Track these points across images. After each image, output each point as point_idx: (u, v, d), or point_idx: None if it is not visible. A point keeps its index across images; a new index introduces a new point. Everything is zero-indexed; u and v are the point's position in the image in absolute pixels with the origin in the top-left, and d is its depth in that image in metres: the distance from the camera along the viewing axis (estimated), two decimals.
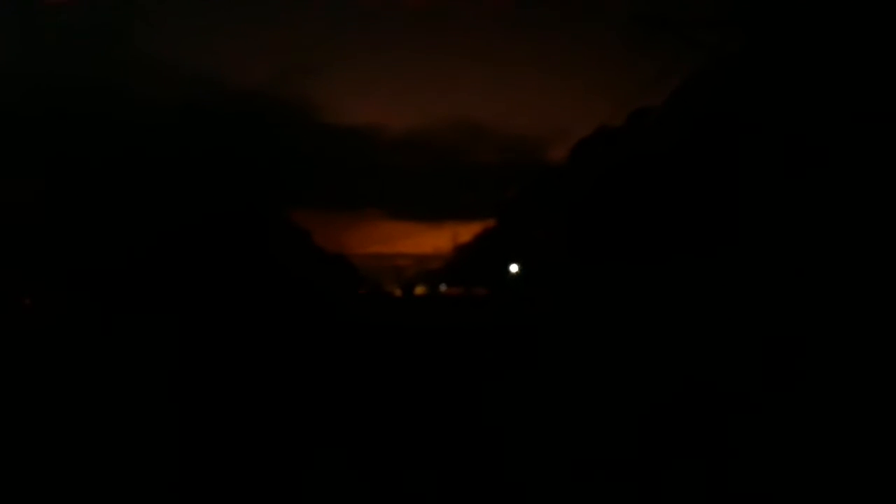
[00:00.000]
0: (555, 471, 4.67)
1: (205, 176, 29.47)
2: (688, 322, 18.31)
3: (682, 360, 10.15)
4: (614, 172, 31.29)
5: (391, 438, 5.71)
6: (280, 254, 31.06)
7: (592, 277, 35.85)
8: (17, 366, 11.75)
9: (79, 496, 4.51)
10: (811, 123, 20.93)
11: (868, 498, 4.04)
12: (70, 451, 5.60)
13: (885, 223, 18.56)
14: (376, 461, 5.01)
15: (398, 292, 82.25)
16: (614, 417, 6.28)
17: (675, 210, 26.96)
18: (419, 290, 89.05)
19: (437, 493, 4.29)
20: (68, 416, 7.10)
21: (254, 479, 4.70)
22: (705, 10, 26.51)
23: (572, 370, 9.64)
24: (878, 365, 8.65)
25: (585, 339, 15.00)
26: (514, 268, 53.26)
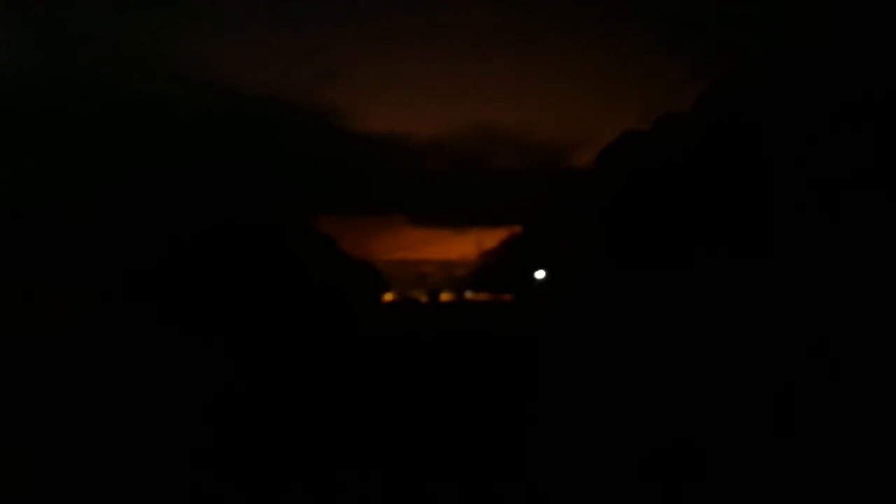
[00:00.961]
0: (577, 475, 4.64)
1: (230, 183, 29.90)
2: (715, 325, 17.98)
3: (713, 363, 9.97)
4: (642, 178, 30.97)
5: (412, 445, 5.70)
6: (305, 260, 31.32)
7: (621, 283, 35.48)
8: (50, 368, 12.00)
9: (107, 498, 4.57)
10: (840, 129, 20.53)
11: (868, 498, 4.01)
12: (99, 453, 5.68)
13: None
14: (396, 467, 5.00)
15: (424, 299, 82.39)
16: (641, 423, 6.19)
17: (703, 215, 26.59)
18: (445, 296, 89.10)
19: (459, 498, 4.28)
20: (99, 417, 7.22)
21: (273, 486, 4.71)
22: (733, 12, 26.22)
23: (599, 376, 9.53)
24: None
25: (612, 345, 14.82)
26: (540, 274, 52.98)
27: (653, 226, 30.07)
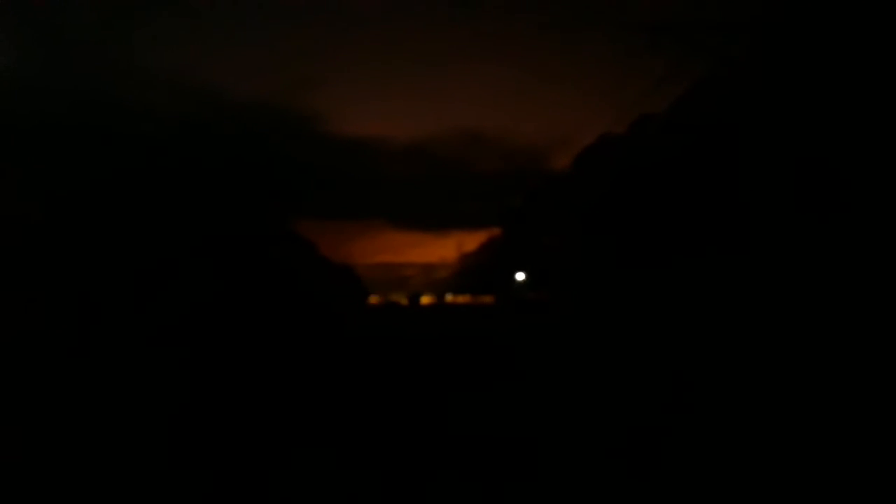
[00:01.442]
0: (561, 474, 4.72)
1: (208, 189, 29.69)
2: (694, 326, 18.29)
3: (691, 363, 10.17)
4: (619, 179, 31.35)
5: (398, 447, 5.77)
6: (285, 265, 31.21)
7: (600, 283, 35.82)
8: (15, 370, 11.86)
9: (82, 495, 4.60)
10: (817, 129, 20.97)
11: (868, 498, 4.07)
12: (65, 451, 5.69)
13: (889, 229, 18.55)
14: (383, 469, 5.07)
15: (404, 302, 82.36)
16: (624, 422, 6.32)
17: (680, 216, 26.99)
18: (425, 299, 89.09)
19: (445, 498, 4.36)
20: (80, 420, 7.19)
21: (258, 489, 4.78)
22: (709, 15, 26.64)
23: (582, 376, 9.67)
24: (881, 368, 8.67)
25: (595, 344, 15.00)
26: (520, 275, 53.28)
27: (630, 226, 30.44)
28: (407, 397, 8.49)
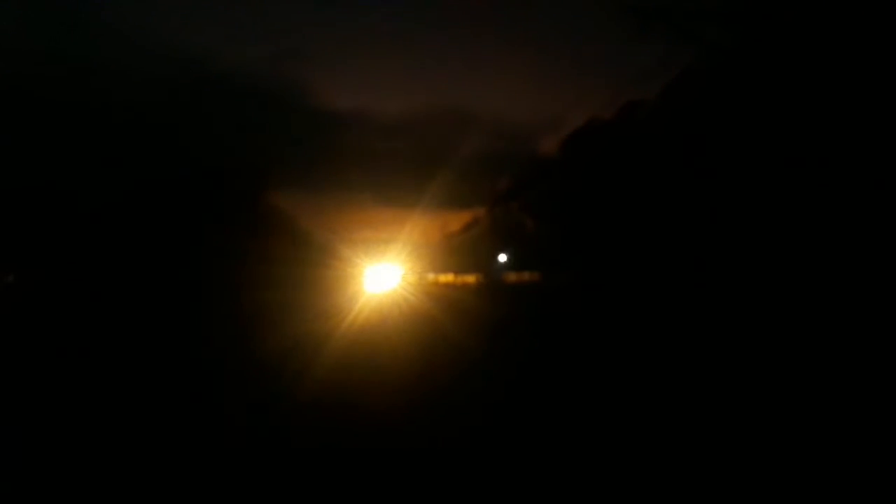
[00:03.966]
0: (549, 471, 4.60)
1: (190, 158, 29.13)
2: (677, 317, 18.30)
3: (674, 356, 10.10)
4: (605, 165, 31.22)
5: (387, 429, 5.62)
6: (265, 238, 30.85)
7: (582, 268, 35.88)
8: None
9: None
10: (807, 120, 20.92)
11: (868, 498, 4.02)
12: (49, 430, 5.46)
13: (882, 221, 18.62)
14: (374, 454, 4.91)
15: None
16: (608, 415, 6.21)
17: (666, 204, 26.97)
18: (408, 277, 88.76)
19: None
20: (47, 393, 6.95)
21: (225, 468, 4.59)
22: (702, 2, 26.38)
23: (562, 358, 9.58)
24: (878, 366, 8.64)
25: (576, 329, 14.95)
26: (502, 257, 53.26)
27: (616, 213, 30.41)
28: (390, 378, 8.32)
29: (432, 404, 6.74)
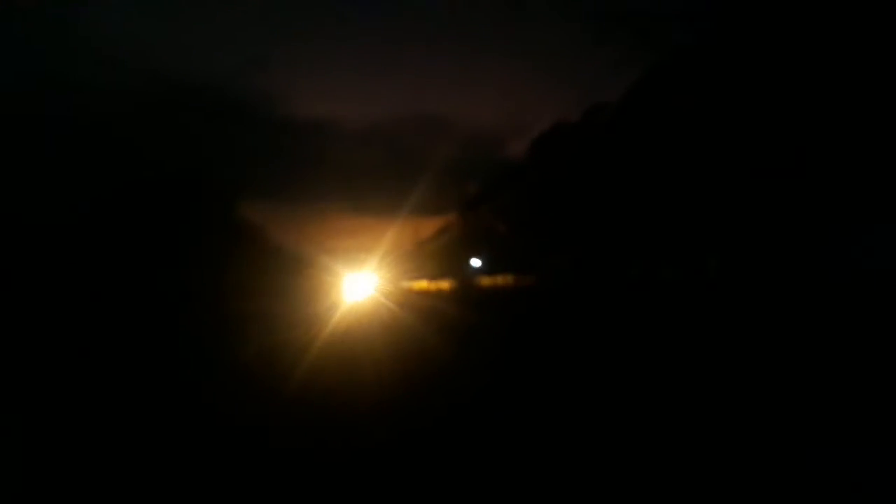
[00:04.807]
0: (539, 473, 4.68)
1: (158, 171, 28.77)
2: (652, 313, 18.61)
3: (648, 355, 10.32)
4: (572, 166, 31.65)
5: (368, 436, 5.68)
6: (234, 250, 30.55)
7: (554, 270, 36.22)
8: None
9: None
10: (768, 117, 21.46)
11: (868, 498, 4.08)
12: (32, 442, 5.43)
13: (850, 215, 19.10)
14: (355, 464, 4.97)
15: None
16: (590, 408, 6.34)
17: (633, 203, 27.41)
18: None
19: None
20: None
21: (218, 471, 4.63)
22: (661, 5, 26.99)
23: (537, 361, 9.72)
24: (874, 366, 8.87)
25: (550, 330, 15.12)
26: (475, 262, 53.41)
27: (584, 213, 30.80)
28: (372, 384, 8.38)
29: (408, 407, 6.84)
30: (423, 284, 75.02)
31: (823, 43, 19.64)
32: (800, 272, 19.55)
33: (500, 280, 47.18)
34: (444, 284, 62.75)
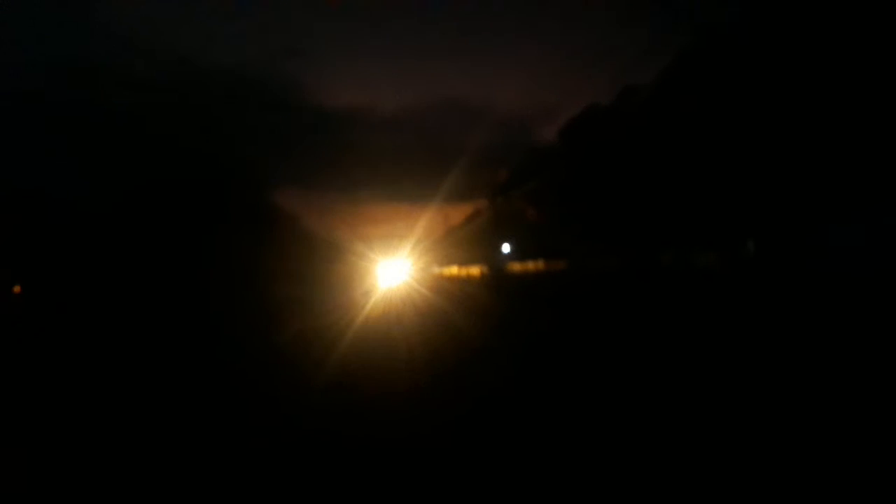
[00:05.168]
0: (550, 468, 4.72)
1: (191, 158, 29.30)
2: (677, 302, 18.41)
3: (675, 340, 10.25)
4: (604, 151, 31.28)
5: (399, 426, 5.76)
6: (268, 237, 30.99)
7: (585, 256, 35.96)
8: (5, 352, 11.74)
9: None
10: (803, 102, 20.96)
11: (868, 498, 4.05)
12: (60, 436, 5.64)
13: (877, 209, 18.67)
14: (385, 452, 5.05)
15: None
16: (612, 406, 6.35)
17: (664, 189, 27.03)
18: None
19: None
20: (58, 402, 7.13)
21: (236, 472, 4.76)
22: None
23: (567, 350, 9.72)
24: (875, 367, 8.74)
25: (577, 318, 15.08)
26: (505, 247, 53.31)
27: (616, 197, 30.47)
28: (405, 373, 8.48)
29: (441, 394, 6.91)
30: (453, 270, 75.11)
31: (856, 27, 19.09)
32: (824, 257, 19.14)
33: (531, 266, 47.04)
34: (475, 270, 62.77)
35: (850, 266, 18.01)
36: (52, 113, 25.61)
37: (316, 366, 8.69)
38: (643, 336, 10.28)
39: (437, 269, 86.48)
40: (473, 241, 62.06)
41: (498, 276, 46.99)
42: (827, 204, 20.30)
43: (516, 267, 50.65)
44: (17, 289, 26.02)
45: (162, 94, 30.43)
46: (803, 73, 21.12)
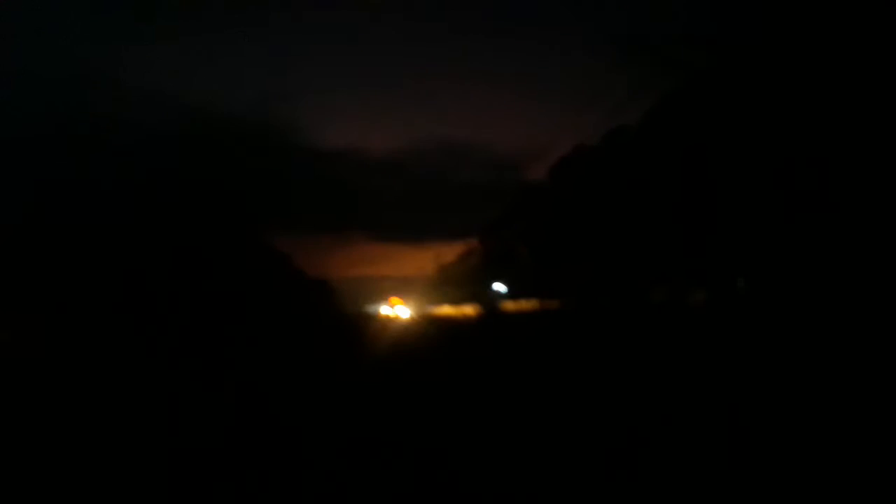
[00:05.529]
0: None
1: (184, 201, 29.42)
2: (669, 333, 18.43)
3: (666, 380, 10.24)
4: (592, 190, 31.67)
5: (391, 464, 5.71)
6: (260, 278, 30.96)
7: (577, 295, 36.03)
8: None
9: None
10: (788, 138, 21.38)
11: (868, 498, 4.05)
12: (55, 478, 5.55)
13: (867, 237, 18.91)
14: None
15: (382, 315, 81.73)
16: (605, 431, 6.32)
17: (654, 226, 27.32)
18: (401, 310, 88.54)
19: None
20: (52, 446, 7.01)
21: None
22: (680, 28, 27.14)
23: (560, 380, 9.69)
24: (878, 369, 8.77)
25: (571, 352, 15.04)
26: (498, 286, 53.45)
27: (605, 237, 30.75)
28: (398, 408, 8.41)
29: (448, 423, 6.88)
30: (446, 310, 75.02)
31: (841, 68, 19.62)
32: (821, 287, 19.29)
33: (524, 304, 47.05)
34: (468, 309, 62.73)
35: (842, 302, 18.13)
36: (51, 154, 25.86)
37: (320, 405, 8.61)
38: (641, 381, 10.26)
39: (429, 309, 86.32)
40: (466, 280, 62.17)
41: (491, 316, 46.94)
42: (816, 242, 20.54)
43: (510, 306, 50.66)
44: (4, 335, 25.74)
45: (154, 138, 30.73)
46: (787, 112, 21.59)
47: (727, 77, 24.44)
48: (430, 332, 28.35)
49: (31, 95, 28.04)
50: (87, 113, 28.46)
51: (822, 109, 20.34)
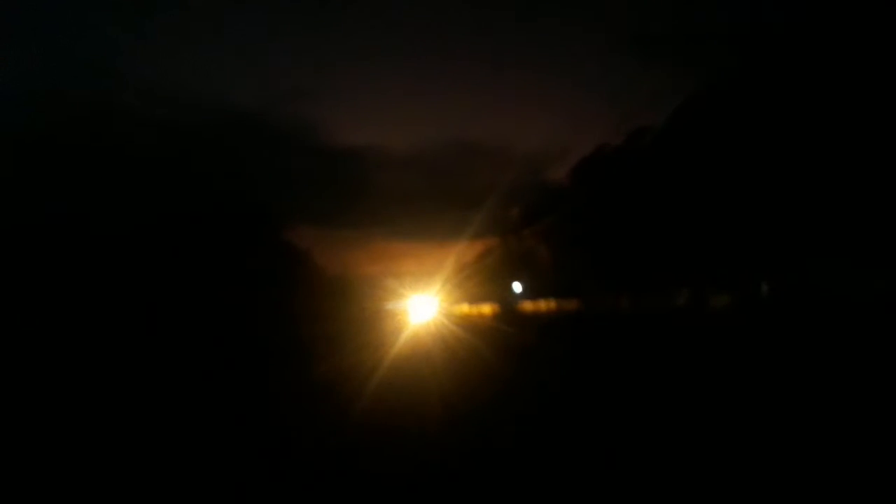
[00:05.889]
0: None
1: (204, 197, 29.63)
2: (687, 332, 18.14)
3: (685, 378, 10.03)
4: (613, 190, 31.33)
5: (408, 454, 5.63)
6: (279, 275, 31.10)
7: (596, 296, 35.73)
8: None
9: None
10: (815, 139, 20.97)
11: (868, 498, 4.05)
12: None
13: (885, 234, 18.53)
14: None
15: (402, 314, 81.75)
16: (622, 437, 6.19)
17: (676, 227, 26.94)
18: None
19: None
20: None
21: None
22: (704, 28, 26.75)
23: (580, 385, 9.55)
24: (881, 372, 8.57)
25: (591, 356, 14.86)
26: (517, 286, 53.21)
27: (626, 236, 30.40)
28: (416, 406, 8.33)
29: (471, 426, 6.88)
30: (464, 309, 74.89)
31: (867, 66, 19.20)
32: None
33: (542, 305, 46.79)
34: (486, 308, 62.56)
35: (867, 308, 17.73)
36: (72, 154, 26.09)
37: (347, 402, 8.56)
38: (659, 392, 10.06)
39: (448, 307, 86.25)
40: (485, 279, 61.99)
41: (509, 315, 46.75)
42: (843, 247, 20.11)
43: (528, 306, 50.40)
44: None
45: (174, 134, 30.98)
46: (816, 114, 21.17)
47: (752, 76, 24.02)
48: (452, 332, 28.27)
49: (34, 87, 28.44)
50: (108, 110, 28.81)
51: (850, 109, 19.91)
